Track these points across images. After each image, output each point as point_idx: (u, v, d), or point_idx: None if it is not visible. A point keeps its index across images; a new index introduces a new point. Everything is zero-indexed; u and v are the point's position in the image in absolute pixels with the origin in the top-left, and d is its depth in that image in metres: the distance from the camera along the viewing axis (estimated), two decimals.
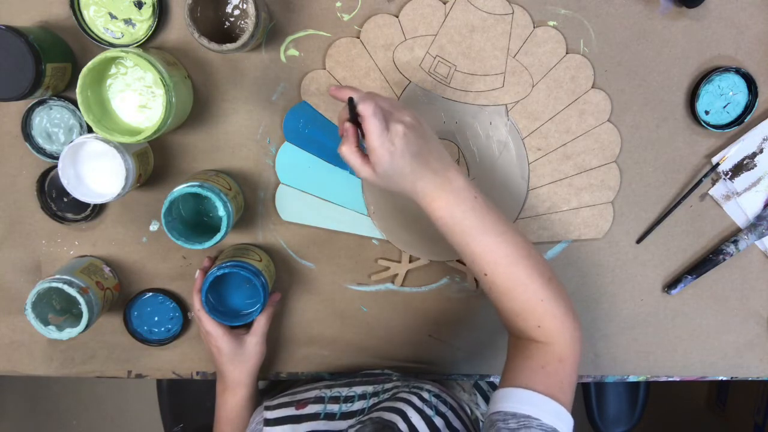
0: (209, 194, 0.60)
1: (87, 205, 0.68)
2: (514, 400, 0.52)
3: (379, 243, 0.71)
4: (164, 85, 0.56)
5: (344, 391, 0.63)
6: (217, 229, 0.61)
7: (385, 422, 0.54)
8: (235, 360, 0.66)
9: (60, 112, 0.65)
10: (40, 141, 0.66)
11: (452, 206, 0.55)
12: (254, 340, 0.67)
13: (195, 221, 0.66)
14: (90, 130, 0.65)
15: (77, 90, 0.55)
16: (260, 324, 0.67)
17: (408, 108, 0.55)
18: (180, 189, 0.60)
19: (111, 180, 0.61)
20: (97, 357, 0.73)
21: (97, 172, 0.61)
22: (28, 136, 0.65)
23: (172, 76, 0.58)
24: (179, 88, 0.59)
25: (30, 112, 0.65)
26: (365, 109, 0.52)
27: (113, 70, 0.59)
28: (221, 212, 0.60)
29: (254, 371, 0.68)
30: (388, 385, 0.64)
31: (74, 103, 0.65)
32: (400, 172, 0.54)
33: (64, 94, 0.65)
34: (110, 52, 0.55)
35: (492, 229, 0.55)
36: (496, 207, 0.57)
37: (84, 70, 0.55)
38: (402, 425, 0.54)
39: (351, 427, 0.55)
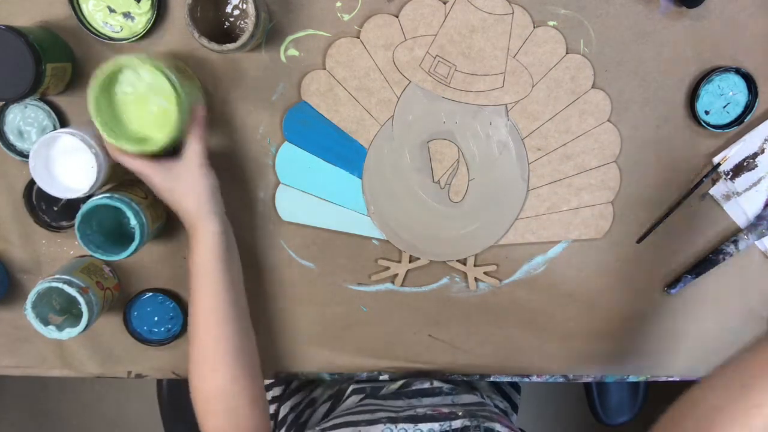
0: (119, 205, 0.60)
1: (79, 209, 0.67)
2: None
3: (379, 243, 0.71)
4: (178, 104, 0.56)
5: (410, 428, 0.61)
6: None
7: None
8: (177, 191, 0.61)
9: (34, 111, 0.65)
10: (11, 138, 0.66)
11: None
12: (189, 165, 0.61)
13: (119, 231, 0.66)
14: None
15: (88, 92, 0.55)
16: (192, 149, 0.61)
17: None
18: (90, 202, 0.60)
19: (83, 175, 0.60)
20: (97, 357, 0.73)
21: (69, 168, 0.60)
22: None
23: (188, 94, 0.58)
24: (193, 102, 0.60)
25: (4, 108, 0.65)
26: None
27: (124, 73, 0.59)
28: (132, 222, 0.60)
29: (209, 200, 0.62)
30: (455, 424, 0.62)
31: (50, 104, 0.65)
32: None
33: (63, 94, 0.65)
34: (124, 61, 0.55)
35: None
36: None
37: (97, 72, 0.55)
38: None
39: None
